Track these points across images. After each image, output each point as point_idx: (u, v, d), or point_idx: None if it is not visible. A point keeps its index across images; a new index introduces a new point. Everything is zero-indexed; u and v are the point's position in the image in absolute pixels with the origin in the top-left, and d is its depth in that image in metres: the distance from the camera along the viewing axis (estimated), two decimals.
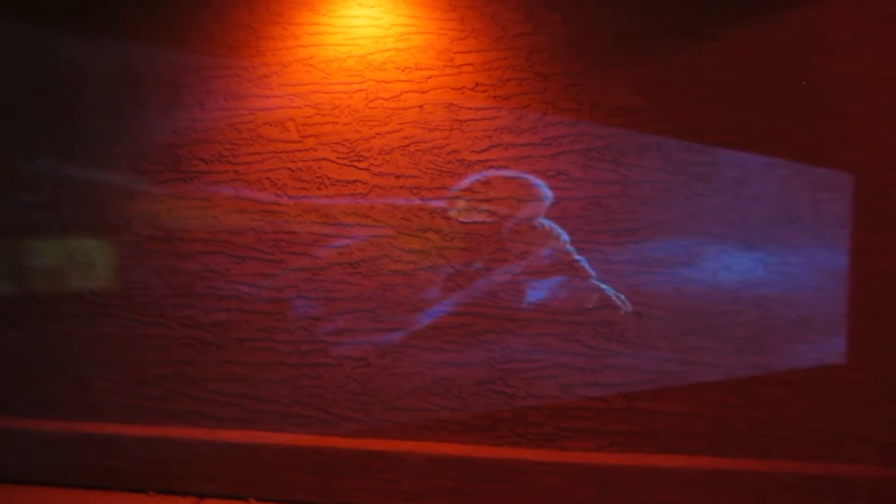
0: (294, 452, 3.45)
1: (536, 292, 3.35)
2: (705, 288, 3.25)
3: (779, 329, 3.21)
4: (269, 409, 3.54)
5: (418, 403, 3.44)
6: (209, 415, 3.57)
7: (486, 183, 3.36)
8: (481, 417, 3.41)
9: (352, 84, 3.43)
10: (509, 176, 3.34)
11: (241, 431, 3.53)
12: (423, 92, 3.39)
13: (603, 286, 3.28)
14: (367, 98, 3.43)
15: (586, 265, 3.29)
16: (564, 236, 3.30)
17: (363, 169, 3.44)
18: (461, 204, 3.34)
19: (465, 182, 3.36)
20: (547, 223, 3.32)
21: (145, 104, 3.56)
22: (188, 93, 3.53)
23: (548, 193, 3.30)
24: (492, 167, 3.36)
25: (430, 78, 3.39)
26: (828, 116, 3.14)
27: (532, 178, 3.31)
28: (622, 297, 3.28)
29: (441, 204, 3.39)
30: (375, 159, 3.43)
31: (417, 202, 3.41)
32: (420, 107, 3.40)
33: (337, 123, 3.45)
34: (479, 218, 3.34)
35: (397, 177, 3.42)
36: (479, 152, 3.37)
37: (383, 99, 3.42)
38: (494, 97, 3.35)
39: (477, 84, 3.36)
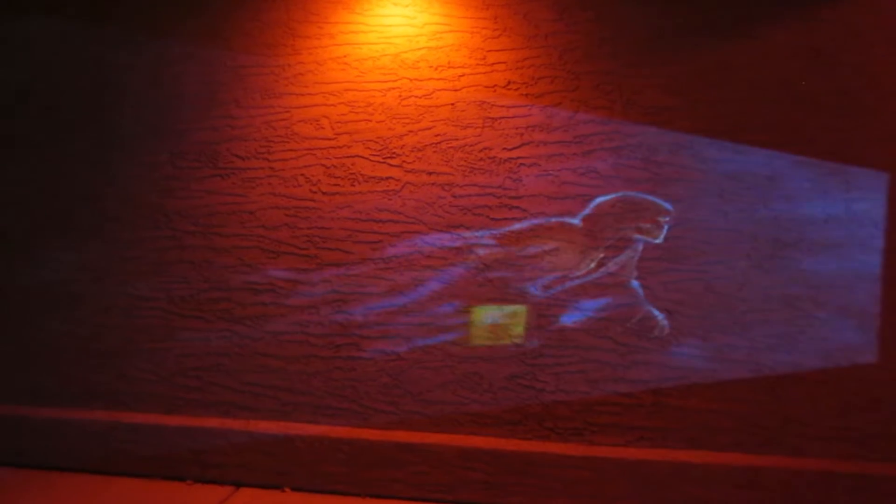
0: (327, 443, 3.52)
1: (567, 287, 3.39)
2: (736, 285, 3.26)
3: (809, 327, 3.22)
4: (303, 401, 3.61)
5: (449, 397, 3.50)
6: (245, 406, 3.66)
7: (518, 180, 3.39)
8: (511, 411, 3.45)
9: (385, 82, 3.48)
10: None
11: (275, 422, 3.61)
12: (455, 90, 3.43)
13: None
14: (400, 96, 3.47)
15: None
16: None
17: (396, 166, 3.49)
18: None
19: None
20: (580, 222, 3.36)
21: (184, 102, 3.64)
22: (225, 91, 3.60)
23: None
24: (523, 164, 3.39)
25: (462, 76, 3.42)
26: (861, 115, 3.13)
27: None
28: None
29: (473, 200, 3.43)
30: (408, 156, 3.48)
31: (449, 198, 3.45)
32: (452, 104, 3.44)
33: (370, 121, 3.50)
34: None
35: (429, 173, 3.46)
36: (511, 150, 3.40)
37: (416, 97, 3.46)
38: (526, 95, 3.38)
39: (509, 82, 3.39)
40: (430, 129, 3.46)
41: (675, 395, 3.33)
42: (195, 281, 3.67)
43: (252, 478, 3.58)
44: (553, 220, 3.38)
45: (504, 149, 3.41)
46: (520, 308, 3.38)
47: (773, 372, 3.25)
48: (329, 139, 3.53)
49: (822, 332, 3.21)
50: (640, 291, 3.31)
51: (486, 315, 3.40)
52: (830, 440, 3.23)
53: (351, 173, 3.52)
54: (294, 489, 3.54)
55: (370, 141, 3.50)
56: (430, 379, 3.51)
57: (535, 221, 3.39)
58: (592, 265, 3.33)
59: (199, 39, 3.60)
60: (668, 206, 3.27)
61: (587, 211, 3.35)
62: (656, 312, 3.30)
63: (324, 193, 3.54)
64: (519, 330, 3.38)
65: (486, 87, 3.41)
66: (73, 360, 3.81)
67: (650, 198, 3.29)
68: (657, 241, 3.28)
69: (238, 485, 3.59)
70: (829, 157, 3.17)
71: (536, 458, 3.36)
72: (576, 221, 3.34)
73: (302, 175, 3.56)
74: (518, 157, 3.40)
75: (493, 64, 3.40)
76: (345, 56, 3.50)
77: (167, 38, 3.63)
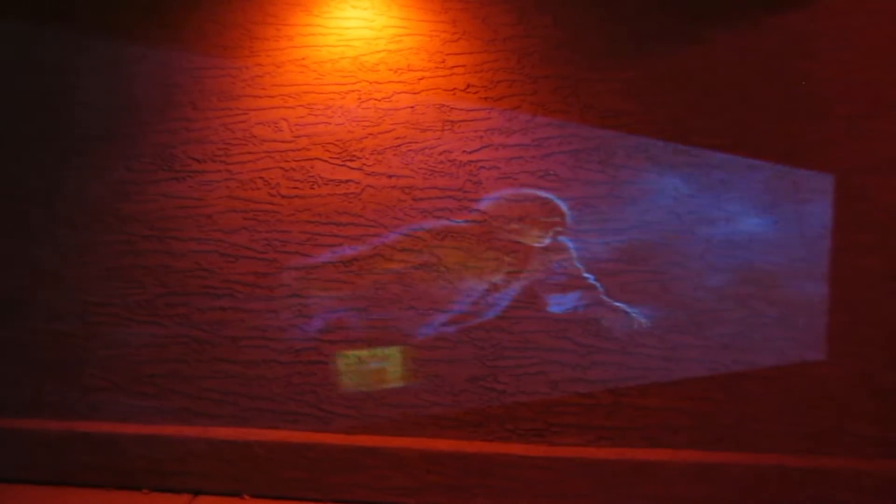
0: (288, 449, 3.49)
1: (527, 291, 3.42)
2: (690, 286, 3.32)
3: (762, 326, 3.30)
4: (263, 407, 3.57)
5: (410, 400, 3.49)
6: (203, 412, 3.60)
7: (477, 183, 3.41)
8: (472, 413, 3.46)
9: (344, 85, 3.46)
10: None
11: (235, 429, 3.57)
12: (415, 93, 3.43)
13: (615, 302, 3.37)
14: (359, 99, 3.46)
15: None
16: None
17: (356, 169, 3.48)
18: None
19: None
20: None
21: (139, 104, 3.57)
22: (181, 93, 3.55)
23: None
24: (483, 167, 3.41)
25: (422, 79, 3.43)
26: (810, 119, 3.22)
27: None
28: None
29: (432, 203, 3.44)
30: (368, 159, 3.47)
31: (409, 201, 3.45)
32: (412, 107, 3.44)
33: (330, 124, 3.48)
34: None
35: (389, 177, 3.46)
36: (471, 153, 3.42)
37: (376, 100, 3.45)
38: (486, 99, 3.40)
39: (468, 85, 3.41)
40: (389, 131, 3.46)
41: (634, 394, 3.37)
42: (151, 286, 3.60)
43: (211, 485, 3.52)
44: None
45: (464, 152, 3.43)
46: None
47: (727, 370, 3.32)
48: (288, 142, 3.50)
49: (774, 331, 3.29)
50: (601, 289, 3.36)
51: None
52: (784, 435, 3.31)
53: (310, 176, 3.50)
54: (254, 496, 3.50)
55: (330, 144, 3.48)
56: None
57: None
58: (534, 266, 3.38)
59: (155, 41, 3.54)
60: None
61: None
62: (623, 307, 3.35)
63: (283, 196, 3.52)
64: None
65: (446, 90, 3.42)
66: (25, 367, 3.71)
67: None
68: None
69: (196, 493, 3.53)
70: (779, 160, 3.25)
71: (498, 460, 3.38)
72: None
73: (260, 178, 3.52)
74: (478, 160, 3.42)
75: (453, 67, 3.41)
76: (303, 58, 3.48)
77: (122, 39, 3.56)
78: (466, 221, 3.42)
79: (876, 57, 3.18)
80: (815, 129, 3.22)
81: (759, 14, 3.23)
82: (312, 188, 3.49)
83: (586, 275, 3.36)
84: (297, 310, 3.53)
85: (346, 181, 3.48)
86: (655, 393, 3.36)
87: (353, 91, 3.46)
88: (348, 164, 3.48)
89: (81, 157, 3.62)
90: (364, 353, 3.46)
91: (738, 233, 3.28)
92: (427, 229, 3.44)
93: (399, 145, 3.45)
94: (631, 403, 3.38)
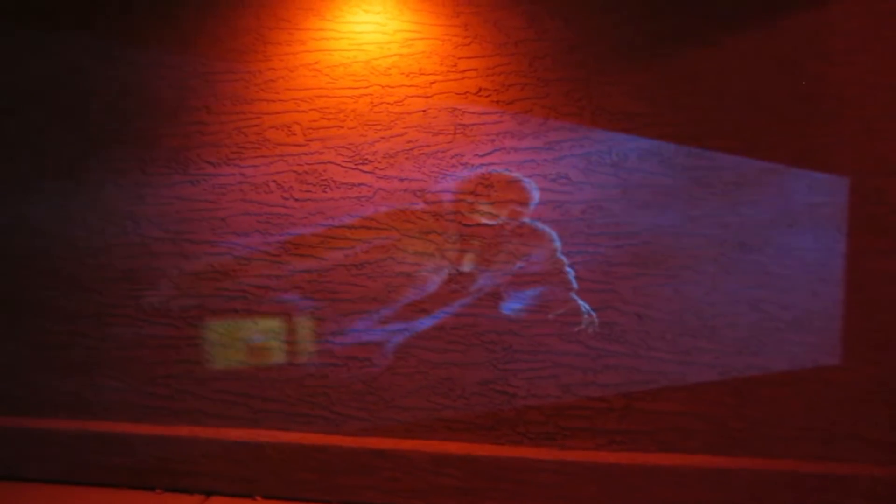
0: (299, 451, 3.50)
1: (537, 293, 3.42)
2: (704, 290, 3.31)
3: (775, 330, 3.27)
4: (275, 409, 3.59)
5: (422, 403, 3.50)
6: (215, 414, 3.63)
7: (489, 187, 3.41)
8: (483, 417, 3.46)
9: (357, 89, 3.49)
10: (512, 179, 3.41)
11: (246, 430, 3.59)
12: (427, 97, 3.45)
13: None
14: (371, 102, 3.48)
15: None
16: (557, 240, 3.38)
17: (368, 172, 3.49)
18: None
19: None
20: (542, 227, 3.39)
21: (154, 108, 3.61)
22: (195, 96, 3.58)
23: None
24: (494, 171, 3.41)
25: (434, 83, 3.44)
26: (824, 122, 3.20)
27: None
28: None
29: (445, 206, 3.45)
30: (380, 163, 3.48)
31: (421, 205, 3.46)
32: (424, 111, 3.45)
33: (342, 127, 3.50)
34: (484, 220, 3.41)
35: (401, 180, 3.47)
36: (482, 156, 3.43)
37: (388, 103, 3.47)
38: (497, 102, 3.41)
39: (480, 89, 3.42)
40: (402, 135, 3.47)
41: (646, 398, 3.36)
42: (165, 288, 3.63)
43: (222, 486, 3.54)
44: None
45: (476, 155, 3.43)
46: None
47: (740, 374, 3.30)
48: (301, 145, 3.53)
49: (788, 335, 3.27)
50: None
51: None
52: (797, 441, 3.28)
53: (323, 179, 3.52)
54: (265, 497, 3.51)
55: (342, 147, 3.50)
56: (403, 385, 3.51)
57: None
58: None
59: (170, 46, 3.58)
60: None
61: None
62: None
63: (296, 200, 3.54)
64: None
65: (458, 93, 3.43)
66: (40, 368, 3.75)
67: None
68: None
69: (208, 493, 3.55)
70: (792, 163, 3.23)
71: (509, 463, 3.37)
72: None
73: (273, 181, 3.55)
74: (490, 163, 3.43)
75: (464, 71, 3.42)
76: (316, 62, 3.50)
77: (138, 44, 3.60)
78: (477, 224, 3.42)
79: (890, 59, 3.15)
80: (829, 131, 3.20)
81: (773, 16, 3.22)
82: (325, 191, 3.51)
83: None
84: (308, 312, 3.54)
85: (359, 184, 3.50)
86: (668, 397, 3.34)
87: (365, 95, 3.48)
88: (360, 167, 3.49)
89: (98, 160, 3.67)
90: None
91: (753, 236, 3.26)
92: (438, 232, 3.45)
93: (411, 149, 3.46)
94: (643, 408, 3.36)
